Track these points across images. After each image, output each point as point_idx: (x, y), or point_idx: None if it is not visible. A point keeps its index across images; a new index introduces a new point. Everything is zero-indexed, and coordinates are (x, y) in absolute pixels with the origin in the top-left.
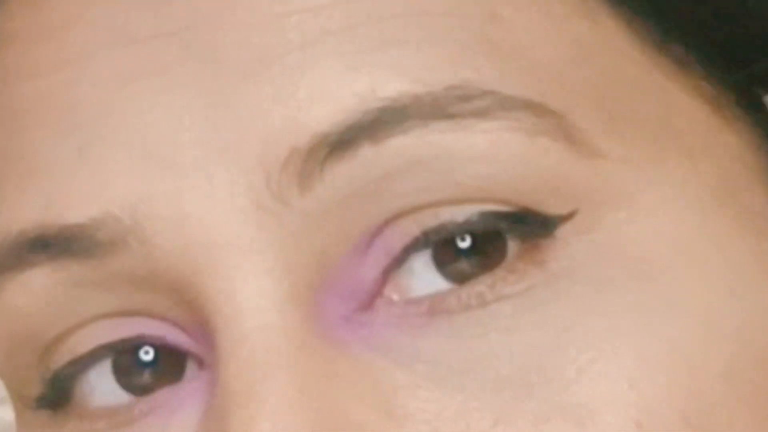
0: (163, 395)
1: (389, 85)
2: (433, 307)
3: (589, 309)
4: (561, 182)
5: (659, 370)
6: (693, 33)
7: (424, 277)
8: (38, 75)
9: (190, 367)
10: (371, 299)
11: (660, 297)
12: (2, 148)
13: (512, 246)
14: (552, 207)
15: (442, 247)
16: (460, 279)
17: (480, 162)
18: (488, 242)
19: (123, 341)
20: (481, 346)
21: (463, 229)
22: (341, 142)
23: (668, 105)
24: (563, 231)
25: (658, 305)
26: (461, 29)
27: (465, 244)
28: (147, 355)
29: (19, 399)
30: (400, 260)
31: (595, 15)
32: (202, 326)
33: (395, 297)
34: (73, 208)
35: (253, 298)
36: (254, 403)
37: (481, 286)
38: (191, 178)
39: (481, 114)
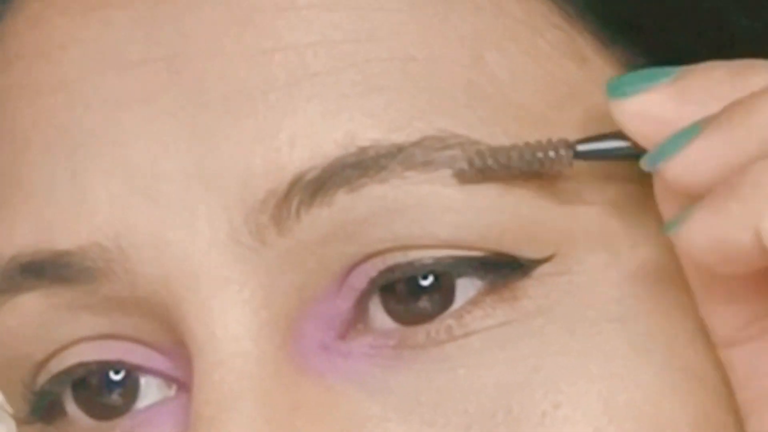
0: (146, 414)
1: (367, 133)
2: (403, 341)
3: (559, 349)
4: (538, 228)
5: (626, 417)
6: None
7: (391, 310)
8: (36, 96)
9: (161, 388)
10: (347, 328)
11: (633, 341)
12: (2, 171)
13: (479, 284)
14: (528, 251)
15: (406, 285)
16: (419, 319)
17: (455, 212)
18: (450, 279)
19: (99, 363)
20: (450, 381)
21: (430, 270)
22: (317, 188)
23: None
24: (539, 271)
25: (629, 349)
26: (445, 75)
27: (427, 282)
28: (117, 375)
29: (15, 415)
30: (368, 294)
31: (583, 54)
32: (184, 351)
33: (367, 329)
34: (63, 235)
35: (228, 326)
36: (218, 430)
37: (449, 320)
38: (173, 209)
39: (457, 163)
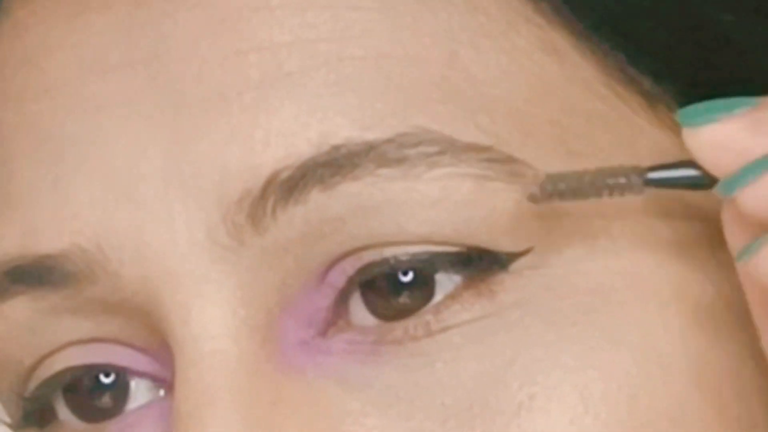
0: (136, 416)
1: (341, 132)
2: (382, 336)
3: (535, 341)
4: (514, 222)
5: (602, 407)
6: (661, 63)
7: (372, 306)
8: (21, 102)
9: (151, 390)
10: (328, 325)
11: (609, 332)
12: None
13: (456, 278)
14: (505, 245)
15: (385, 281)
16: (400, 314)
17: (429, 208)
18: (428, 275)
19: (87, 366)
20: (428, 375)
21: (407, 267)
22: (292, 187)
23: (633, 139)
24: (517, 265)
25: (605, 340)
26: (419, 72)
27: (407, 278)
28: (107, 378)
29: (11, 419)
30: (348, 291)
31: (559, 49)
32: (168, 351)
33: (346, 325)
34: (46, 239)
35: (207, 325)
36: (196, 427)
37: (427, 315)
38: (152, 210)
39: (431, 159)
